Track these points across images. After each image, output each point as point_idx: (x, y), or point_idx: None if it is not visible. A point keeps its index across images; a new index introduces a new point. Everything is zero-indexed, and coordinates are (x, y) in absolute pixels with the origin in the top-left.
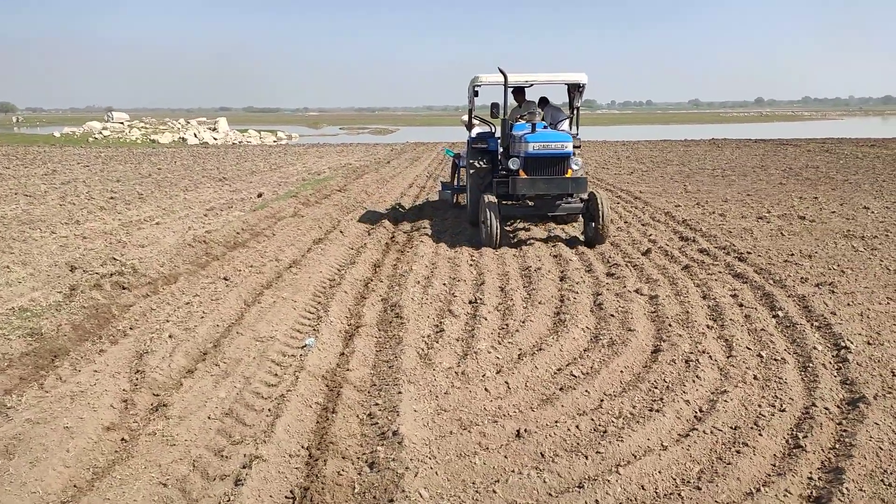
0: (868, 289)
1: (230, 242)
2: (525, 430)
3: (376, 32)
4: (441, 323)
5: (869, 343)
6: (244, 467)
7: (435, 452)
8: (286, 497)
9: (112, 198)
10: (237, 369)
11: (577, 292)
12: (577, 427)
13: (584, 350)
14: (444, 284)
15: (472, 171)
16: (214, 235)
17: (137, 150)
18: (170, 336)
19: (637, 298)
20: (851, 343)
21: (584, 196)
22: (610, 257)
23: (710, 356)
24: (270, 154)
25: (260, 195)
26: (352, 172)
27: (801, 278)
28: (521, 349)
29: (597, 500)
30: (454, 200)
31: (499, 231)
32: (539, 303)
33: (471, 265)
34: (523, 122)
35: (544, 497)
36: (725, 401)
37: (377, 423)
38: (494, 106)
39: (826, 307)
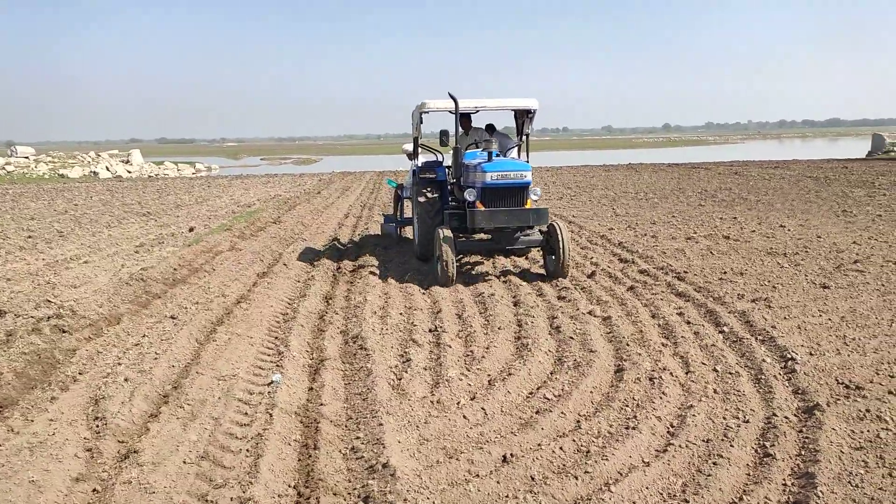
0: (800, 302)
1: (169, 279)
2: (511, 455)
3: (293, 61)
4: (406, 352)
5: (811, 354)
6: None
7: (427, 483)
8: None
9: (30, 237)
10: (204, 410)
11: (534, 316)
12: (560, 449)
13: (551, 373)
14: (401, 314)
15: (420, 203)
16: (151, 273)
17: (47, 186)
18: (125, 379)
19: (591, 320)
20: (796, 354)
21: (544, 228)
22: (558, 281)
23: (670, 373)
24: (193, 186)
25: (191, 229)
26: (283, 204)
27: (738, 295)
28: (489, 375)
29: None
30: (398, 233)
31: (455, 267)
32: (498, 328)
33: (424, 294)
34: (474, 150)
35: None
36: (693, 415)
37: (363, 456)
38: (444, 133)
39: (766, 321)
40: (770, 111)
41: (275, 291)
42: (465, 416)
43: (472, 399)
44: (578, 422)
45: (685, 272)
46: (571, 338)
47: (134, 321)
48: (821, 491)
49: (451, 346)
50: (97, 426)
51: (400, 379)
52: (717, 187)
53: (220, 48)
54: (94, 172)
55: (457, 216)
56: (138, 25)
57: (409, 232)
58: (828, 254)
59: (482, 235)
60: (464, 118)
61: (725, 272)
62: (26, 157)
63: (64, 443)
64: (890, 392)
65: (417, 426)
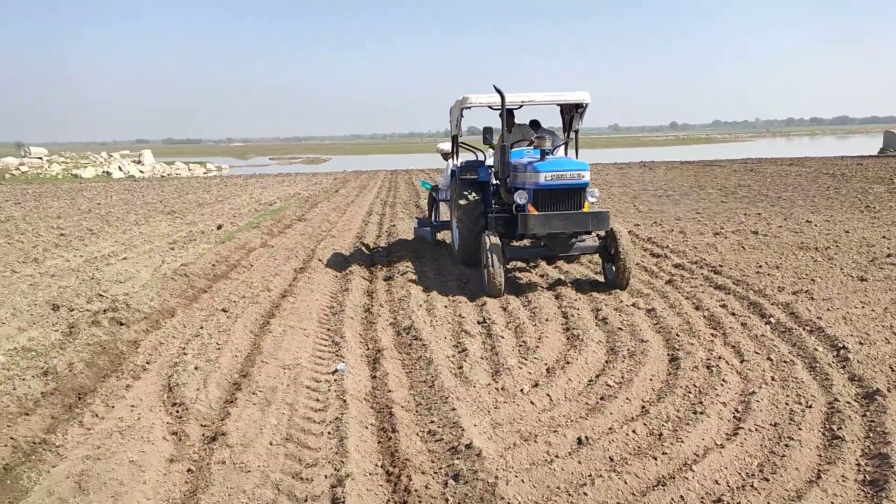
0: (841, 294)
1: (210, 275)
2: (586, 438)
3: (296, 61)
4: (460, 342)
5: (861, 343)
6: (334, 486)
7: (511, 462)
8: None
9: (62, 234)
10: (276, 397)
11: (578, 308)
12: (633, 432)
13: (607, 362)
14: (446, 307)
15: (461, 206)
16: (192, 268)
17: (64, 186)
18: (195, 368)
19: (636, 312)
20: (847, 344)
21: (602, 232)
22: (595, 274)
23: (726, 361)
24: (210, 186)
25: (220, 227)
26: (304, 202)
27: (778, 287)
28: (546, 364)
29: (681, 496)
30: (433, 238)
31: (503, 277)
32: (546, 320)
33: (462, 287)
34: (520, 147)
35: (630, 496)
36: (757, 401)
37: (442, 438)
38: (488, 130)
39: (810, 312)
40: (778, 109)
41: (317, 286)
42: (531, 402)
43: (534, 386)
44: (644, 407)
45: (720, 266)
46: (620, 329)
47: (187, 314)
48: None
49: (503, 337)
50: (177, 411)
51: (460, 367)
52: (735, 184)
53: (223, 49)
54: (107, 172)
55: (503, 220)
56: (142, 26)
57: (444, 236)
58: (859, 248)
59: (527, 242)
60: (507, 114)
61: (761, 266)
62: (40, 158)
63: (151, 427)
64: None
65: (488, 411)
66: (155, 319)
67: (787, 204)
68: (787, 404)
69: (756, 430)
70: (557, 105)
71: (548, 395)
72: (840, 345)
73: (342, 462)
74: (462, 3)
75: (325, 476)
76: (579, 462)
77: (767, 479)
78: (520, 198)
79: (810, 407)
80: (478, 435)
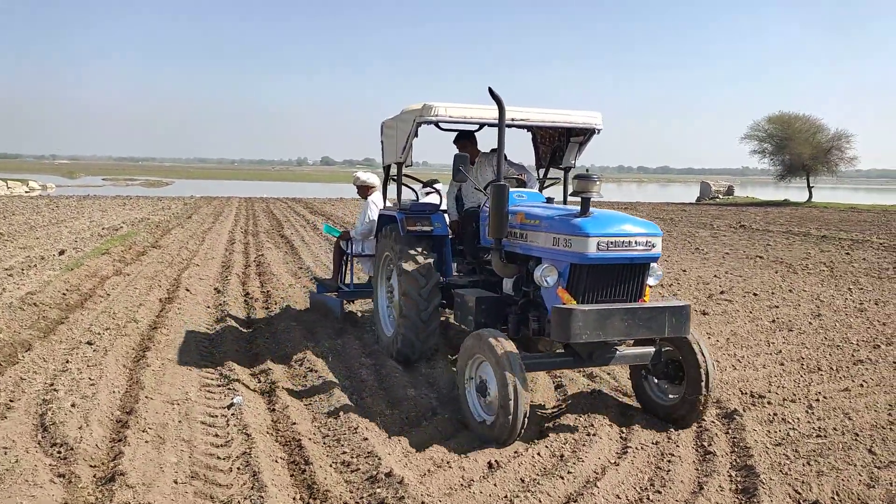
0: None
1: (62, 304)
2: (495, 462)
3: (136, 74)
4: (355, 373)
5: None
6: None
7: (432, 489)
8: None
9: None
10: (170, 433)
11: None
12: (538, 454)
13: None
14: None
15: (408, 272)
16: (41, 297)
17: None
18: (72, 405)
19: None
20: None
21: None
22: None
23: (604, 391)
24: (39, 206)
25: (62, 252)
26: (155, 228)
27: None
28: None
29: None
30: (343, 310)
31: (527, 416)
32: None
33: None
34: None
35: None
36: (638, 425)
37: (359, 468)
38: (461, 160)
39: None
40: (609, 157)
41: (189, 318)
42: (437, 430)
43: (434, 415)
44: (542, 431)
45: None
46: None
47: (46, 347)
48: (762, 479)
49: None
50: (59, 452)
51: (362, 396)
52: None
53: (45, 55)
54: None
55: (488, 305)
56: None
57: (360, 304)
58: (696, 285)
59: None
60: (466, 138)
61: None
62: None
63: (34, 469)
64: (787, 399)
65: (398, 439)
66: (9, 353)
67: None
68: (663, 426)
69: (641, 448)
70: (559, 129)
71: (451, 421)
72: None
73: (261, 497)
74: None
75: None
76: (495, 485)
77: (659, 492)
78: (546, 277)
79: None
80: (395, 463)
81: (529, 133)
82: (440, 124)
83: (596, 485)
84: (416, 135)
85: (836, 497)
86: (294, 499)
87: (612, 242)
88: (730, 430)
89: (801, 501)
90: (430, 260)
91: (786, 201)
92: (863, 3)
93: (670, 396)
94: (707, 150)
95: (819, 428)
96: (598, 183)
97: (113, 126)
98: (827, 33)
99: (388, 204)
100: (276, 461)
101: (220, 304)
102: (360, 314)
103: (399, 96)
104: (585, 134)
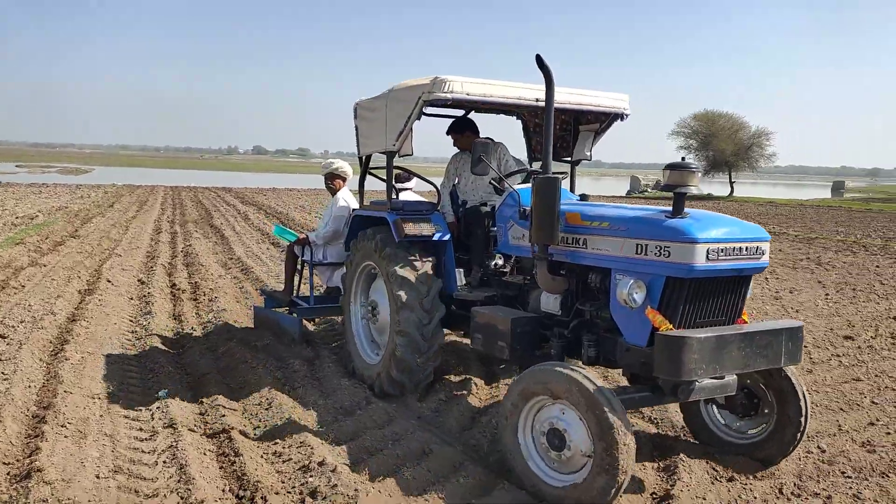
0: None
1: None
2: (429, 448)
3: (55, 55)
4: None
5: None
6: None
7: (365, 476)
8: None
9: None
10: (91, 428)
11: None
12: (472, 439)
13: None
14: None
15: (405, 280)
16: None
17: None
18: None
19: None
20: None
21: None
22: None
23: None
24: None
25: None
26: (74, 217)
27: None
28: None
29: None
30: (300, 331)
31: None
32: None
33: None
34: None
35: (476, 494)
36: None
37: (291, 458)
38: (482, 148)
39: None
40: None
41: (112, 310)
42: (371, 418)
43: (368, 404)
44: (474, 417)
45: None
46: None
47: None
48: None
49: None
50: None
51: (294, 387)
52: None
53: None
54: None
55: (529, 327)
56: None
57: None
58: None
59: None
60: (466, 128)
61: None
62: None
63: None
64: None
65: (328, 428)
66: None
67: None
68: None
69: None
70: (585, 112)
71: (385, 409)
72: None
73: (188, 490)
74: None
75: None
76: (428, 470)
77: None
78: (632, 293)
79: None
80: (328, 452)
81: (518, 120)
82: (450, 105)
83: None
84: (419, 116)
85: None
86: (223, 490)
87: (721, 250)
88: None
89: None
90: (431, 265)
91: (709, 195)
92: (774, 4)
93: (749, 433)
94: (638, 145)
95: None
96: (697, 175)
97: (27, 110)
98: (747, 34)
99: (353, 202)
100: (205, 454)
101: (145, 296)
102: (318, 335)
103: (342, 84)
104: (604, 120)
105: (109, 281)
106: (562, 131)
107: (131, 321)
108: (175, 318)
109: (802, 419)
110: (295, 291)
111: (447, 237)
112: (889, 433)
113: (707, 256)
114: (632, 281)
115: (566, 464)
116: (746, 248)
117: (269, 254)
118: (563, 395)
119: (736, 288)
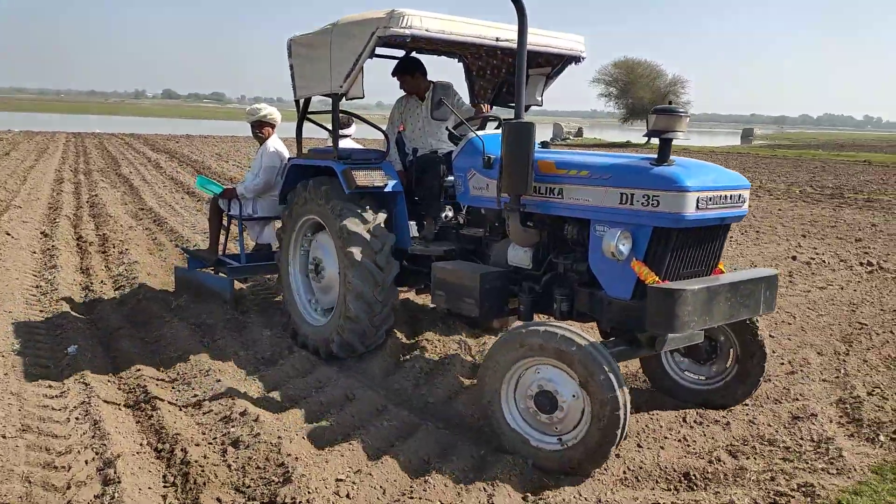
0: None
1: None
2: (352, 394)
3: None
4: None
5: None
6: (101, 469)
7: (289, 423)
8: (163, 485)
9: None
10: None
11: None
12: (396, 385)
13: None
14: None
15: (358, 237)
16: None
17: None
18: None
19: None
20: None
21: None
22: None
23: None
24: None
25: None
26: None
27: None
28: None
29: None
30: (232, 292)
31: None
32: None
33: None
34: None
35: (396, 438)
36: None
37: (211, 410)
38: (442, 90)
39: None
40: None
41: (13, 264)
42: (294, 367)
43: (291, 353)
44: (398, 363)
45: None
46: None
47: None
48: None
49: None
50: None
51: (214, 339)
52: None
53: None
54: None
55: (499, 282)
56: None
57: (257, 285)
58: None
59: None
60: (415, 69)
61: None
62: None
63: None
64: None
65: (255, 378)
66: None
67: None
68: None
69: None
70: (533, 52)
71: (307, 357)
72: None
73: (104, 445)
74: None
75: (87, 461)
76: (352, 416)
77: None
78: (620, 244)
79: None
80: (249, 402)
81: (460, 63)
82: (407, 42)
83: (437, 406)
84: (371, 54)
85: None
86: (141, 444)
87: (710, 199)
88: None
89: None
90: (384, 218)
91: (628, 143)
92: None
93: (709, 378)
94: (559, 92)
95: None
96: (685, 120)
97: None
98: None
99: (285, 151)
100: (120, 409)
101: (49, 249)
102: (251, 293)
103: (264, 19)
104: (557, 63)
105: (9, 234)
106: (508, 74)
107: (35, 276)
108: (83, 272)
109: (763, 366)
110: (221, 249)
111: (401, 189)
112: (782, 363)
113: (697, 205)
114: (619, 232)
115: (557, 425)
116: (730, 197)
117: (184, 203)
118: (556, 355)
119: (716, 237)
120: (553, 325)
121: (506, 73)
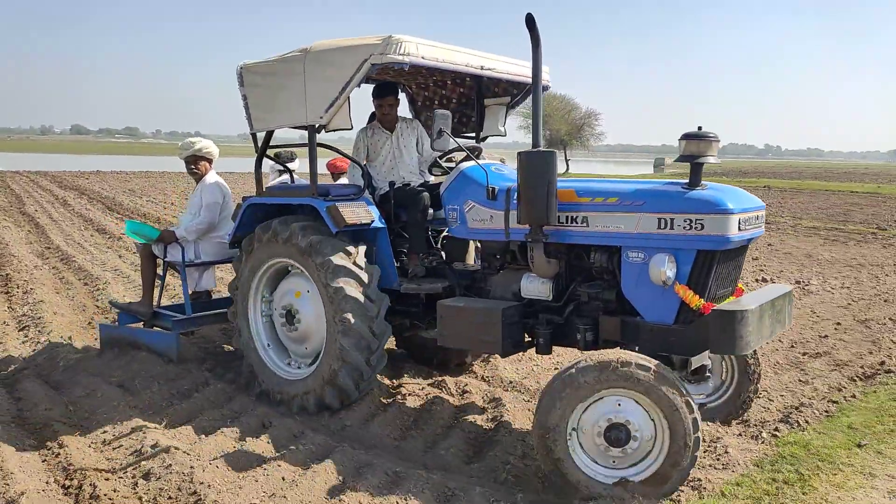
0: None
1: None
2: (269, 422)
3: None
4: None
5: None
6: None
7: (201, 453)
8: None
9: None
10: None
11: None
12: (303, 408)
13: None
14: None
15: (349, 272)
16: None
17: None
18: None
19: None
20: None
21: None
22: None
23: None
24: None
25: None
26: None
27: None
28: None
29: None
30: (178, 348)
31: None
32: None
33: None
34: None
35: (311, 460)
36: None
37: (122, 445)
38: (442, 119)
39: None
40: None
41: None
42: (207, 398)
43: (206, 385)
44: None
45: None
46: None
47: None
48: None
49: None
50: None
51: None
52: None
53: None
54: None
55: (519, 317)
56: None
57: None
58: None
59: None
60: (391, 95)
61: None
62: None
63: None
64: None
65: (164, 413)
66: None
67: None
68: None
69: None
70: (493, 79)
71: (223, 390)
72: None
73: (6, 485)
74: None
75: None
76: (268, 442)
77: None
78: (667, 269)
79: None
80: (161, 435)
81: (403, 93)
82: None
83: (356, 430)
84: (360, 83)
85: None
86: (48, 482)
87: (746, 220)
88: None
89: None
90: (364, 250)
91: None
92: None
93: (709, 396)
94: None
95: None
96: (715, 145)
97: None
98: (580, 19)
99: (226, 187)
100: (25, 449)
101: None
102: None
103: (180, 53)
104: (516, 94)
105: None
106: (460, 105)
107: None
108: None
109: (756, 382)
110: (156, 301)
111: (384, 224)
112: None
113: (739, 227)
114: (667, 257)
115: (630, 458)
116: (758, 217)
117: (94, 241)
118: (633, 387)
119: (742, 256)
120: (616, 353)
121: (456, 103)
